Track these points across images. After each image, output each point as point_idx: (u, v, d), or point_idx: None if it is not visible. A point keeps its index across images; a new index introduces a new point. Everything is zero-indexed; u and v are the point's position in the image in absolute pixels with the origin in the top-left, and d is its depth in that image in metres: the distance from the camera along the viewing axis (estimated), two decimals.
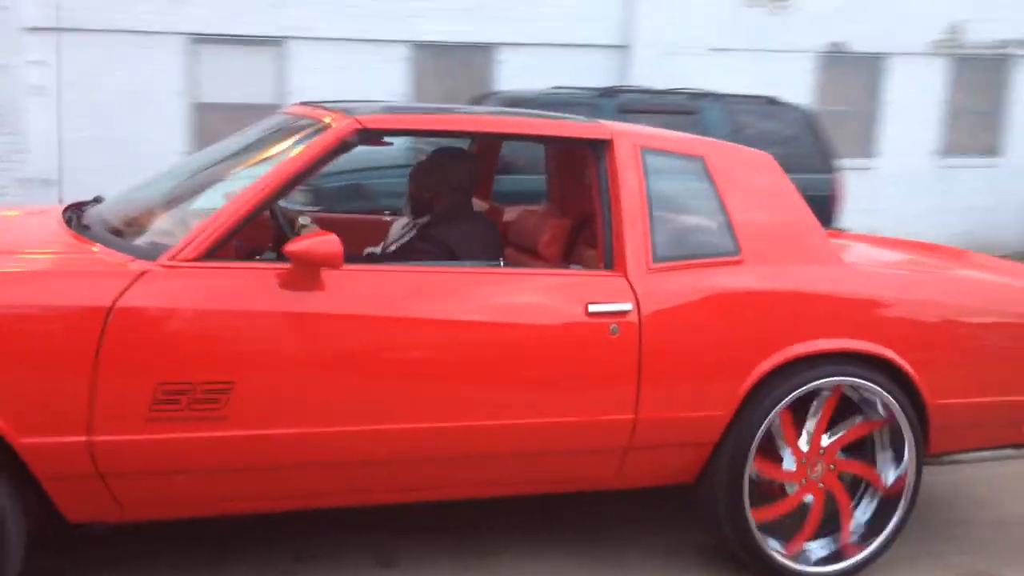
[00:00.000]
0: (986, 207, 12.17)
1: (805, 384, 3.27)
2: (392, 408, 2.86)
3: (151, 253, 2.75)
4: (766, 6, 11.44)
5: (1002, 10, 11.75)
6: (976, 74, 12.10)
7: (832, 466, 3.45)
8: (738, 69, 10.79)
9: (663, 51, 10.80)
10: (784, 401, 3.26)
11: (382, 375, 2.85)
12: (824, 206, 8.93)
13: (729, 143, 3.69)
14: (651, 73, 10.28)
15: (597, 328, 3.03)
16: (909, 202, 11.92)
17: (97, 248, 2.88)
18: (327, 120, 3.10)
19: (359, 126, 2.99)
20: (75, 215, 3.33)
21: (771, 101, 8.15)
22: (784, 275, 3.31)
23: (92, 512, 2.76)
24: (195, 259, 2.72)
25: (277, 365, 2.74)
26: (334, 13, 10.28)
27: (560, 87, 8.15)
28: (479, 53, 10.88)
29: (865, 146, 11.98)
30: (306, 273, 2.76)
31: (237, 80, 10.21)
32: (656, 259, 3.17)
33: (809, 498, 3.45)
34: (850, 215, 9.91)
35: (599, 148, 3.26)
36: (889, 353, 3.33)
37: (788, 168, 3.73)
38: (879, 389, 3.35)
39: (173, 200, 3.33)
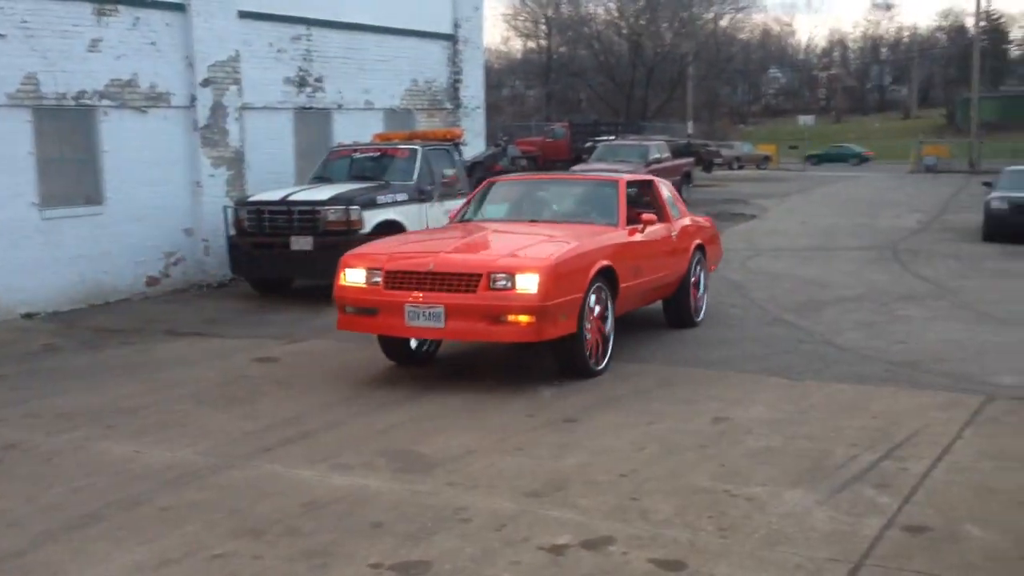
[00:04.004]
0: (97, 254, 12.28)
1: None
2: (659, 273, 9.16)
3: (616, 223, 8.64)
4: None
5: (72, 63, 11.92)
6: (63, 124, 12.09)
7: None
8: None
9: None
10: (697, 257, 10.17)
11: (657, 259, 9.10)
12: None
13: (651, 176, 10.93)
14: None
15: (679, 241, 9.68)
16: (16, 256, 11.39)
17: (590, 226, 8.61)
18: (615, 178, 9.49)
19: (627, 179, 9.54)
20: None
21: None
22: (682, 223, 9.98)
23: (619, 311, 8.39)
24: (625, 226, 8.64)
25: (637, 259, 8.61)
26: None
27: None
28: None
29: None
30: (645, 227, 8.78)
31: None
32: (675, 216, 9.79)
33: None
34: None
35: (648, 185, 9.98)
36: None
37: None
38: None
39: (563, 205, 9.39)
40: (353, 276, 7.74)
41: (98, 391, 7.84)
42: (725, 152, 46.23)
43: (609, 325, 8.11)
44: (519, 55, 70.30)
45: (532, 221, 8.91)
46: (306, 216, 11.80)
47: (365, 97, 16.35)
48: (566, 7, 61.83)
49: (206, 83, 13.40)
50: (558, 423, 6.60)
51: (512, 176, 10.92)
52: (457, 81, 18.42)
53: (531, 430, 6.44)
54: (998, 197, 17.92)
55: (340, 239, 11.58)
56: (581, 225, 8.61)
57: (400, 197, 12.48)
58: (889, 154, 54.68)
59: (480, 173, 15.10)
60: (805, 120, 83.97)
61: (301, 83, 15.12)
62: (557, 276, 7.22)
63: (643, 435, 6.27)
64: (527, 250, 7.59)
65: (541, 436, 6.30)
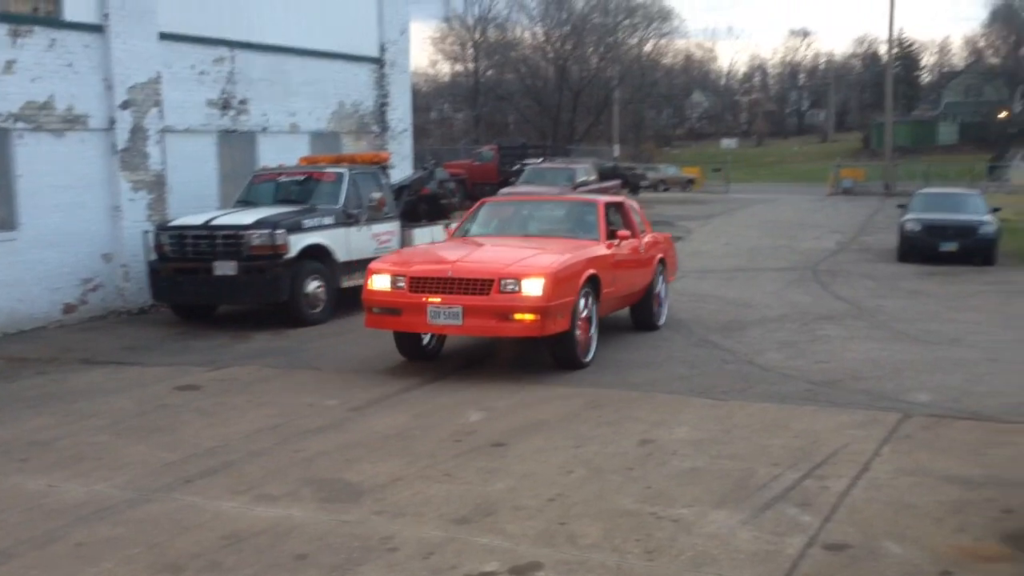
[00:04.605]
0: (11, 281, 11.91)
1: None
2: (632, 282, 10.52)
3: (597, 239, 9.89)
4: None
5: None
6: None
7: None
8: None
9: None
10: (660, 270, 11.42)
11: (630, 269, 10.38)
12: None
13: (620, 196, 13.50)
14: None
15: (646, 254, 10.99)
16: None
17: (575, 241, 9.86)
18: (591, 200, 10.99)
19: (605, 201, 10.93)
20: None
21: None
22: (646, 239, 11.23)
23: (600, 313, 9.57)
24: (605, 241, 9.94)
25: (615, 269, 9.88)
26: None
27: None
28: None
29: None
30: (621, 242, 10.12)
31: None
32: (641, 233, 11.08)
33: None
34: None
35: (620, 205, 11.15)
36: None
37: None
38: None
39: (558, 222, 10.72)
40: (380, 281, 8.97)
41: (10, 423, 7.57)
42: (651, 175, 46.87)
43: (593, 325, 9.27)
44: (447, 78, 70.49)
45: (524, 236, 10.20)
46: (230, 240, 11.61)
47: (291, 120, 16.21)
48: (493, 31, 62.25)
49: (125, 105, 13.13)
50: (486, 448, 6.57)
51: (502, 197, 12.60)
52: (384, 104, 18.38)
53: (459, 455, 6.40)
54: (912, 219, 18.50)
55: (265, 264, 11.44)
56: (567, 240, 9.88)
57: (327, 221, 12.37)
58: (809, 176, 56.06)
59: (407, 196, 15.04)
60: (728, 143, 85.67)
61: (224, 106, 14.92)
62: (557, 281, 8.52)
63: (570, 458, 6.28)
64: (529, 259, 8.86)
65: (469, 461, 6.27)
